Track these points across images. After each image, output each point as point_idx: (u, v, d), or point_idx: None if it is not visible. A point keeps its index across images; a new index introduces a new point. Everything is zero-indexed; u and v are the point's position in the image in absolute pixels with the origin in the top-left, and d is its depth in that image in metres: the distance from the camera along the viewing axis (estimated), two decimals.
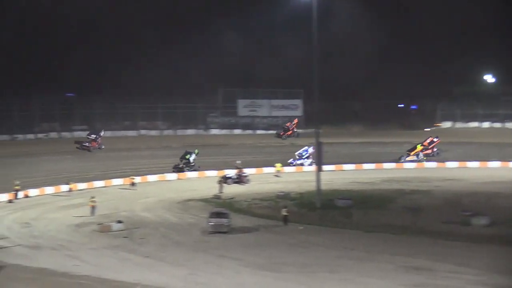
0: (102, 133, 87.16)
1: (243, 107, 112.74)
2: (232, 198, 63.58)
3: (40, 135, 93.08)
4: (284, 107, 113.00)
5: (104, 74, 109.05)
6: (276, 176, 75.36)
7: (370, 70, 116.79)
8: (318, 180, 60.02)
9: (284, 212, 53.64)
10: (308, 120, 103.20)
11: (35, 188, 64.81)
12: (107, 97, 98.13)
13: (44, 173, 71.61)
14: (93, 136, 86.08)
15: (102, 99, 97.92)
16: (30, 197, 63.16)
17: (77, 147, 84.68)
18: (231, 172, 72.07)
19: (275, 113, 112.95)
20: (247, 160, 79.95)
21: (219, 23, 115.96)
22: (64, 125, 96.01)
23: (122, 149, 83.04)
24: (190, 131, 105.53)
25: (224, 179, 69.45)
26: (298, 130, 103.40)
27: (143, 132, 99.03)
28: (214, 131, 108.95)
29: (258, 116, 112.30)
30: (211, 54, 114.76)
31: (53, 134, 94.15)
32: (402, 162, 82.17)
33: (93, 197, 57.85)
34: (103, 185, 69.05)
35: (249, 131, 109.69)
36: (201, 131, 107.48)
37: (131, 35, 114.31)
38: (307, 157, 79.79)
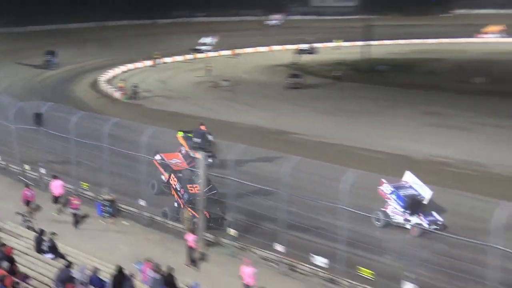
0: None
1: None
2: (304, 64, 74.39)
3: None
4: None
5: None
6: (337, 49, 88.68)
7: None
8: (365, 52, 75.64)
9: (335, 73, 66.93)
10: None
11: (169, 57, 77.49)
12: None
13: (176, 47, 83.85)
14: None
15: None
16: (166, 63, 75.81)
17: None
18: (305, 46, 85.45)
19: None
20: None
21: None
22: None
23: None
24: None
25: (300, 51, 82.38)
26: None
27: None
28: None
29: None
30: None
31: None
32: None
33: (208, 64, 69.61)
34: (216, 55, 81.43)
35: None
36: None
37: None
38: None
